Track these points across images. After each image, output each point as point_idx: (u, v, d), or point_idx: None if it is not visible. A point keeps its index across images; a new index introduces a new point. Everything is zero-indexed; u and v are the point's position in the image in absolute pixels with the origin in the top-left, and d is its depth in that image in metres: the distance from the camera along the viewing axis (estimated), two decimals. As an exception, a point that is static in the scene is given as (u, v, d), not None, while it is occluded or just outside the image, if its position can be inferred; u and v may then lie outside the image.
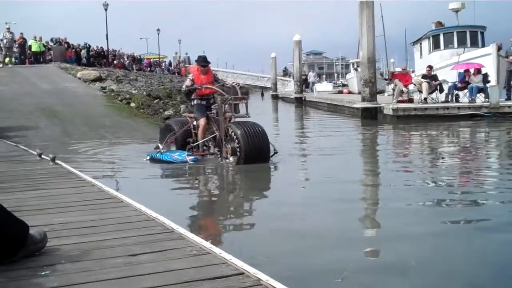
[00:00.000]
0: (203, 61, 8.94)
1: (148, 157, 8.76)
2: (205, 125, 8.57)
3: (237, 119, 8.31)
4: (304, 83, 38.18)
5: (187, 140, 8.99)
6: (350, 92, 34.32)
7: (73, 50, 31.71)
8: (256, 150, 7.85)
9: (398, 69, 26.64)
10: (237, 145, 7.87)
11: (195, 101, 8.81)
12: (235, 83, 9.18)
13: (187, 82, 8.87)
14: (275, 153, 8.26)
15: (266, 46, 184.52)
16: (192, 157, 8.34)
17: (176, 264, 2.42)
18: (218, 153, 8.37)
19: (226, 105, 8.22)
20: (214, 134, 8.48)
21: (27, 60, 28.25)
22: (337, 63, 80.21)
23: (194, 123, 8.83)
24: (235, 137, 7.89)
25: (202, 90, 8.68)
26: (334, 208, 5.32)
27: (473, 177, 7.11)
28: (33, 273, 2.35)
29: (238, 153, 7.86)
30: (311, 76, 41.88)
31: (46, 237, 2.68)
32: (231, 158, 8.01)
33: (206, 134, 8.71)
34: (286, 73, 71.96)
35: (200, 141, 8.64)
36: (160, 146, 9.12)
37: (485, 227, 4.64)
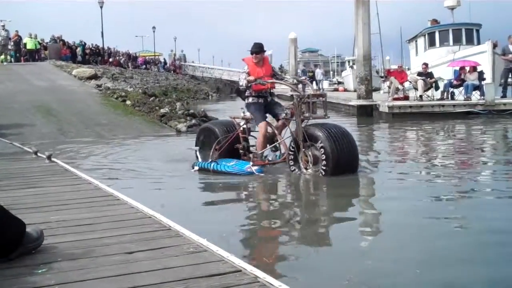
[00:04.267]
0: (255, 47, 7.32)
1: (197, 167, 7.38)
2: (266, 131, 7.16)
3: (312, 121, 6.97)
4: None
5: (235, 146, 7.57)
6: (345, 90, 34.34)
7: (69, 48, 31.66)
8: (346, 158, 6.49)
9: (394, 67, 26.66)
10: (322, 152, 6.47)
11: (250, 99, 7.34)
12: (303, 78, 8.29)
13: (246, 77, 7.20)
14: None
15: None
16: (256, 168, 6.91)
17: (173, 261, 2.43)
18: (284, 160, 7.10)
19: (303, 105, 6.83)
20: (284, 138, 7.20)
21: (22, 58, 28.18)
22: (332, 61, 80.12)
23: (244, 126, 7.57)
24: (318, 142, 6.52)
25: (265, 85, 7.18)
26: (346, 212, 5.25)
27: (470, 174, 7.12)
28: (30, 271, 2.36)
29: (323, 162, 6.47)
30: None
31: (42, 235, 2.69)
32: (310, 169, 6.71)
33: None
34: (282, 70, 71.95)
35: (263, 150, 7.25)
36: (197, 153, 7.85)
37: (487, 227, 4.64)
